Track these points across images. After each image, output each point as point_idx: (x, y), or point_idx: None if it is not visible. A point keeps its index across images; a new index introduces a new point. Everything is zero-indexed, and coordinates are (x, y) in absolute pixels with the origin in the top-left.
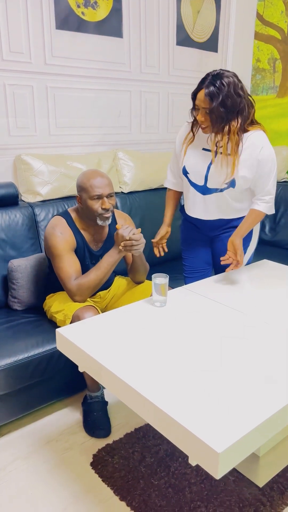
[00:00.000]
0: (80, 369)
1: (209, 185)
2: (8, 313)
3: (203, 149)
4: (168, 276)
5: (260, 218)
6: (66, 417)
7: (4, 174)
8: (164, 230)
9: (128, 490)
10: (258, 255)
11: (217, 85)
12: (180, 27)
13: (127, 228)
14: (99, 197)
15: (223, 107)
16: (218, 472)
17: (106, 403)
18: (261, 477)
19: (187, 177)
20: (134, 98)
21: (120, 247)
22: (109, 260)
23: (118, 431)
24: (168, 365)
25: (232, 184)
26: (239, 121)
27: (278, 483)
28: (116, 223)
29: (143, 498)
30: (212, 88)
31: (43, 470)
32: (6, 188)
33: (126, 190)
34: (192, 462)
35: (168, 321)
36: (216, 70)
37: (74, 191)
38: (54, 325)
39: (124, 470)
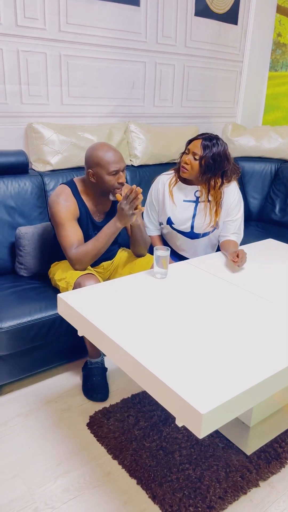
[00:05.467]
0: (79, 334)
1: (195, 231)
2: (15, 278)
3: (184, 200)
4: (169, 249)
5: (237, 247)
6: (67, 380)
7: (16, 142)
8: None
9: (120, 450)
10: (267, 234)
11: (213, 141)
12: None
13: (127, 201)
14: (117, 172)
15: (212, 160)
16: (201, 432)
17: (106, 369)
18: (250, 446)
19: (172, 227)
20: (149, 69)
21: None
22: (107, 231)
23: (115, 396)
24: (164, 333)
25: (215, 227)
26: (222, 180)
27: (266, 453)
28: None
29: (135, 458)
30: (208, 142)
31: (41, 427)
32: (17, 156)
33: (136, 163)
34: (179, 423)
35: (168, 292)
36: (213, 134)
37: (83, 162)
38: (58, 292)
39: (118, 431)
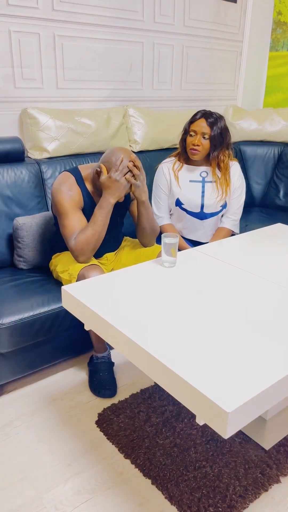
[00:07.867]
0: (86, 328)
1: (205, 211)
2: (14, 272)
3: (190, 181)
4: (178, 236)
5: (228, 236)
6: (72, 377)
7: (10, 128)
8: None
9: (132, 448)
10: (272, 220)
11: (214, 117)
12: None
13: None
14: None
15: (220, 136)
16: (226, 432)
17: (113, 364)
18: (268, 440)
19: (181, 207)
20: (147, 50)
21: (126, 177)
22: (102, 211)
23: (123, 391)
24: (177, 325)
25: (224, 205)
26: (229, 152)
27: (285, 446)
28: None
29: (148, 456)
30: (211, 119)
31: (48, 426)
32: (12, 143)
33: (136, 149)
34: (200, 421)
35: (178, 281)
36: (207, 109)
37: (82, 148)
38: (60, 284)
39: (129, 429)
